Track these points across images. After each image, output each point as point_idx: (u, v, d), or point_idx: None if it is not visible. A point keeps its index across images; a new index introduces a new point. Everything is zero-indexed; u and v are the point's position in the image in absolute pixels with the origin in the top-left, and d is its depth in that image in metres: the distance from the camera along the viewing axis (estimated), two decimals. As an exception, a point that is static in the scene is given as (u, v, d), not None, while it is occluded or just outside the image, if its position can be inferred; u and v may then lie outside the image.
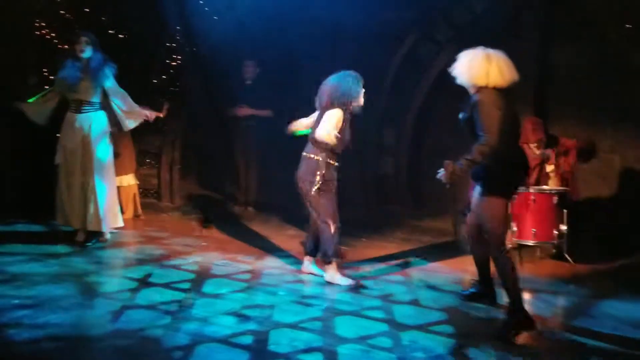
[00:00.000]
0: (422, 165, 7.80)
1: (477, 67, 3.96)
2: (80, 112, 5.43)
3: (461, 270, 5.21)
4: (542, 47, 6.85)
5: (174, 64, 7.52)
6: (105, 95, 5.50)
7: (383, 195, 7.89)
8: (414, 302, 4.38)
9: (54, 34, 6.92)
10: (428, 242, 6.28)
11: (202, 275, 4.80)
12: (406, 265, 5.43)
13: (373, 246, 6.01)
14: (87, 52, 5.41)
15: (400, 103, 7.57)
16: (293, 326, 3.81)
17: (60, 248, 5.36)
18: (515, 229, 5.61)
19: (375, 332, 3.78)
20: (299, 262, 5.21)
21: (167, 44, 7.49)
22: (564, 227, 5.63)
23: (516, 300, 3.90)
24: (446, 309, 4.27)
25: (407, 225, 6.99)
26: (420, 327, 3.88)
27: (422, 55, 7.38)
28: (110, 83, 5.47)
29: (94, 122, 5.45)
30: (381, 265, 5.32)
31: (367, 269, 5.20)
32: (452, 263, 5.50)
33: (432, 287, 4.72)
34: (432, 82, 7.31)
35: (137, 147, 7.33)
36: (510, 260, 3.96)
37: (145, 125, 5.90)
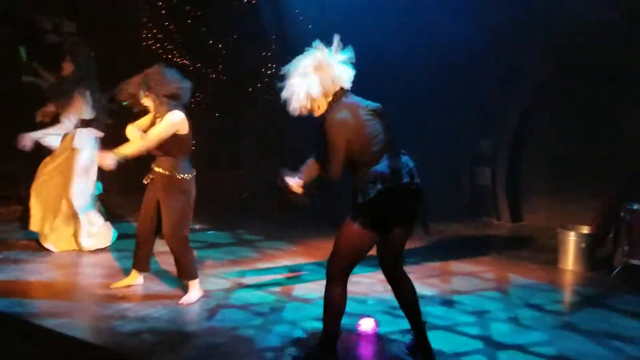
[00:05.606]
0: (521, 177, 7.48)
1: None
2: None
3: (564, 289, 4.90)
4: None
5: (268, 72, 7.66)
6: None
7: (478, 207, 7.63)
8: (513, 320, 4.16)
9: (158, 45, 7.26)
10: (526, 257, 5.96)
11: (292, 280, 4.83)
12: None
13: (466, 260, 5.77)
14: None
15: (499, 111, 7.31)
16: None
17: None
18: (626, 247, 5.21)
19: (471, 349, 3.62)
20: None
21: (263, 53, 7.63)
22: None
23: None
24: (548, 329, 4.02)
25: (502, 238, 6.69)
26: (519, 347, 3.68)
27: (521, 64, 7.08)
28: None
29: None
30: (475, 280, 5.11)
31: (460, 283, 5.01)
32: (554, 281, 5.19)
33: (532, 306, 4.46)
34: (533, 90, 7.00)
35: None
36: None
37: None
